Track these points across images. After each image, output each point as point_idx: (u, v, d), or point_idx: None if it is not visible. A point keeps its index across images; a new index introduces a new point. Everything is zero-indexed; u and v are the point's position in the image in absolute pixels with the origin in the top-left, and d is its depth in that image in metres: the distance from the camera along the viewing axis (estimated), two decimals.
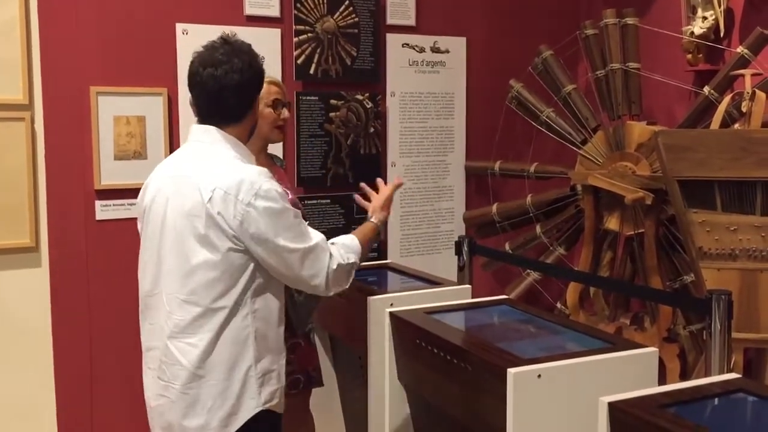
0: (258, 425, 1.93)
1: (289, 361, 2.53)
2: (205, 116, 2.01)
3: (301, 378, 2.57)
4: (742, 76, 3.09)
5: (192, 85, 1.99)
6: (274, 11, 3.59)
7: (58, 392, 3.25)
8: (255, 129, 2.13)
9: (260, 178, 1.91)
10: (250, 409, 1.91)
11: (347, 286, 2.09)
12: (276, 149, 3.15)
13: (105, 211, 3.29)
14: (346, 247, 2.07)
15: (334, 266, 1.99)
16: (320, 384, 2.65)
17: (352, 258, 2.06)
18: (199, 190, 1.89)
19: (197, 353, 1.89)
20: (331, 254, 1.99)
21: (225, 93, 1.95)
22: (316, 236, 1.99)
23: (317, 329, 2.79)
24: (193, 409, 1.90)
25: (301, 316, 2.42)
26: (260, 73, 2.04)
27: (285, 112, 2.55)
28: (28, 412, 3.23)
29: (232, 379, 1.89)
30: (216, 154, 1.96)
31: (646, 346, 2.05)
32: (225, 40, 2.00)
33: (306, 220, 2.21)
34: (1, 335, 3.18)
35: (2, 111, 3.11)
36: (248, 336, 1.91)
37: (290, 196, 2.53)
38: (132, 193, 2.91)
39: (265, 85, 2.50)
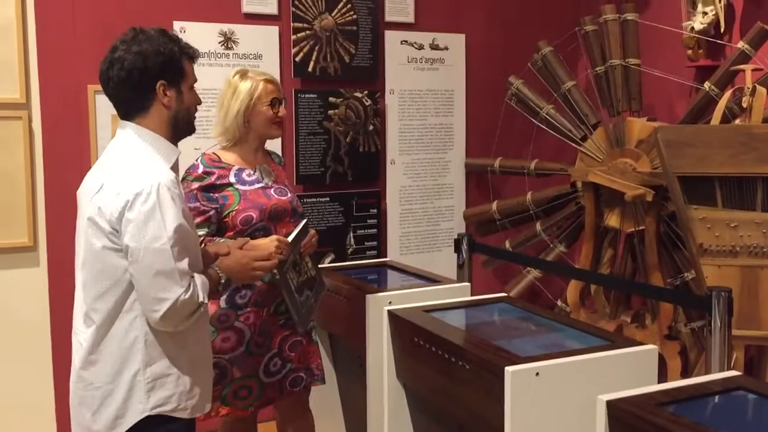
0: (153, 428, 1.86)
1: (289, 359, 2.53)
2: (115, 109, 1.95)
3: (303, 376, 2.57)
4: (743, 71, 3.07)
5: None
6: (272, 9, 3.58)
7: (56, 390, 3.24)
8: (182, 115, 1.96)
9: (155, 182, 1.80)
10: (136, 413, 1.84)
11: (183, 327, 1.86)
12: (275, 147, 3.13)
13: None
14: (203, 284, 1.89)
15: (185, 296, 1.81)
16: (322, 381, 2.65)
17: (202, 297, 1.87)
18: (92, 187, 1.87)
19: (83, 353, 1.87)
20: (187, 288, 1.81)
21: (112, 84, 1.89)
22: (182, 263, 1.81)
23: (317, 328, 2.78)
24: (81, 409, 1.89)
25: (302, 314, 2.41)
26: (155, 58, 1.87)
27: (282, 110, 2.53)
28: (28, 410, 3.23)
29: (118, 382, 1.84)
30: (129, 155, 1.89)
31: (646, 344, 2.04)
32: (130, 31, 1.91)
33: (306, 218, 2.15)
34: (1, 334, 3.18)
35: (0, 110, 3.12)
36: (135, 340, 1.84)
37: (288, 197, 2.52)
38: None
39: (261, 83, 2.49)
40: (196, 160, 2.48)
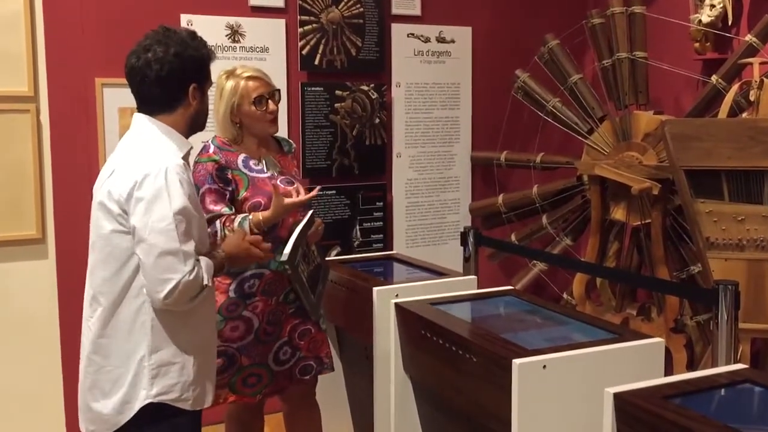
0: (158, 419, 1.89)
1: (299, 347, 2.56)
2: (138, 104, 1.98)
3: (313, 364, 2.60)
4: (751, 64, 3.06)
5: (125, 74, 1.97)
6: (279, 1, 3.58)
7: (65, 382, 3.26)
8: (201, 116, 2.02)
9: (163, 165, 1.83)
10: (141, 399, 1.87)
11: (186, 308, 1.89)
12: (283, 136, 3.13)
13: None
14: (207, 267, 1.92)
15: (189, 277, 1.83)
16: (331, 369, 2.67)
17: (207, 279, 1.90)
18: (105, 174, 1.91)
19: (92, 336, 1.91)
20: (192, 270, 1.84)
21: (147, 83, 1.91)
22: (187, 245, 1.83)
23: (324, 319, 2.79)
24: (92, 392, 1.92)
25: (313, 303, 2.44)
26: (191, 62, 1.93)
27: (271, 105, 2.48)
28: (36, 402, 3.25)
29: (127, 366, 1.87)
30: (141, 143, 1.93)
31: (652, 337, 2.04)
32: (161, 29, 1.94)
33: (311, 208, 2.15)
34: (9, 326, 3.20)
35: (8, 103, 3.12)
36: (143, 325, 1.86)
37: (294, 186, 2.53)
38: None
39: (242, 82, 2.45)
40: (206, 142, 2.50)
